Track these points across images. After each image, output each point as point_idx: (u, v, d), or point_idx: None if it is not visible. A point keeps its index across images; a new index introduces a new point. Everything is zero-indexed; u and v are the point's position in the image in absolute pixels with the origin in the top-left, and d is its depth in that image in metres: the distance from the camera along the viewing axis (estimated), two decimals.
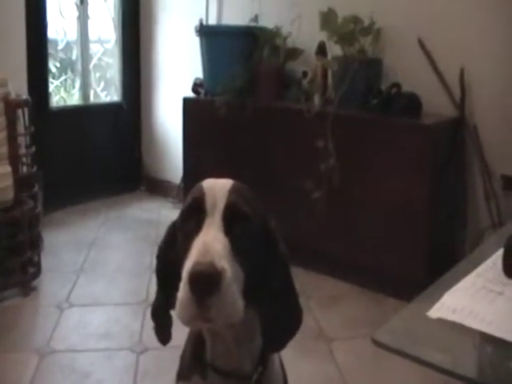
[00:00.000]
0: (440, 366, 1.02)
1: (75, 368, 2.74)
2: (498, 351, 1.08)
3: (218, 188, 1.17)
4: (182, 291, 1.05)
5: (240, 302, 1.08)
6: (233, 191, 1.17)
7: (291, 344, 1.23)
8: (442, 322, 1.14)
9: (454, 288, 1.25)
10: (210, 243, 1.07)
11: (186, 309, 1.04)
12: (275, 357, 1.31)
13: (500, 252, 1.35)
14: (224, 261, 1.05)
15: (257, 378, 1.23)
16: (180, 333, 1.32)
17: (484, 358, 1.10)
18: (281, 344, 1.23)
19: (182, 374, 1.31)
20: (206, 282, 1.02)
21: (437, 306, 1.18)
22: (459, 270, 1.38)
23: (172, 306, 1.14)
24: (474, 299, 1.20)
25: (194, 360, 1.26)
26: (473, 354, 1.11)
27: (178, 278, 1.08)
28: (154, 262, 1.28)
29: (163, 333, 1.27)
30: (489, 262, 1.38)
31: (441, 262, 3.26)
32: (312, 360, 2.86)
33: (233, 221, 1.13)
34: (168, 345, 1.30)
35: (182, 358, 1.33)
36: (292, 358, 2.76)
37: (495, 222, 3.48)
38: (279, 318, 1.20)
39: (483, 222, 3.56)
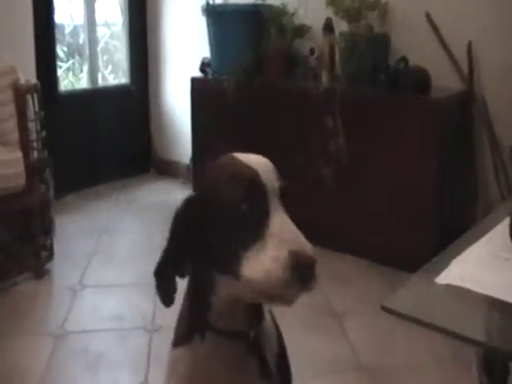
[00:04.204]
0: (449, 330, 1.03)
1: (89, 349, 2.77)
2: (505, 315, 1.09)
3: (265, 167, 1.18)
4: (284, 272, 1.06)
5: None
6: (275, 171, 1.19)
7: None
8: (450, 288, 1.15)
9: (462, 255, 1.26)
10: (296, 231, 1.11)
11: (287, 287, 1.07)
12: (265, 312, 1.33)
13: (507, 220, 1.35)
14: None
15: (254, 335, 1.24)
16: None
17: (492, 322, 1.10)
18: None
19: (181, 338, 1.31)
20: (311, 269, 1.07)
21: (445, 272, 1.19)
22: (467, 239, 1.39)
23: (178, 272, 1.23)
24: (482, 265, 1.21)
25: (195, 322, 1.27)
26: (481, 319, 1.12)
27: (197, 249, 1.19)
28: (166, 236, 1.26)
29: (167, 296, 1.27)
30: (496, 230, 1.39)
31: (452, 236, 3.24)
32: (322, 335, 2.87)
33: (283, 201, 1.16)
34: None
35: (180, 322, 1.33)
36: (302, 333, 2.80)
37: (504, 194, 3.47)
38: None
39: (493, 195, 3.56)
